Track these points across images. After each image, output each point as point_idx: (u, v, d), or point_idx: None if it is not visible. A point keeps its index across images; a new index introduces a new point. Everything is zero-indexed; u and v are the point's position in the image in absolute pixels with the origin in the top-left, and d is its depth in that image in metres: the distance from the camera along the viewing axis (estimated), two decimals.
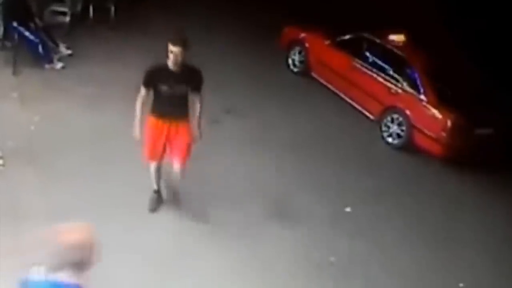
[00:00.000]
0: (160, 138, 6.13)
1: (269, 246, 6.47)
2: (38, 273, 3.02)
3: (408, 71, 9.37)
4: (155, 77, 5.98)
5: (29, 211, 5.88)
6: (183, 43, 5.80)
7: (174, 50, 5.76)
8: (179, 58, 5.80)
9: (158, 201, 6.55)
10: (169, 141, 6.15)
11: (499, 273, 6.92)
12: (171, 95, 5.98)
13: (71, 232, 3.04)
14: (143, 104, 6.04)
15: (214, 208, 6.67)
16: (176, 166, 6.22)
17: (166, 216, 6.44)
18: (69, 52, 9.70)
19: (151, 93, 6.04)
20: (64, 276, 2.99)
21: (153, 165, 6.34)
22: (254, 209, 6.99)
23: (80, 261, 3.00)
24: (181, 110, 6.12)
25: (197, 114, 6.22)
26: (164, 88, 5.94)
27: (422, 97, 9.06)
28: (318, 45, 10.66)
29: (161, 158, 6.29)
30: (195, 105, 6.19)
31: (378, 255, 6.76)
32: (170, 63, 5.84)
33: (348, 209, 7.41)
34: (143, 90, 6.04)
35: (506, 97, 9.21)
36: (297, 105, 9.86)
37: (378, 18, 10.71)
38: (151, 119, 6.12)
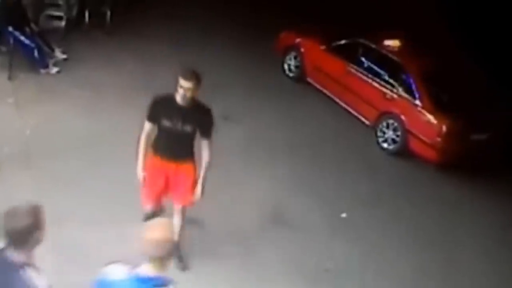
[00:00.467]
0: (158, 180, 5.52)
1: (265, 252, 6.47)
2: (118, 271, 3.16)
3: (404, 76, 9.36)
4: (159, 110, 5.35)
5: None
6: (196, 79, 5.16)
7: (185, 85, 5.12)
8: (189, 95, 5.17)
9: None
10: (169, 185, 5.55)
11: (496, 276, 6.95)
12: (174, 133, 5.32)
13: (155, 229, 3.22)
14: (148, 140, 5.46)
15: (210, 215, 6.62)
16: (177, 212, 5.60)
17: None
18: (64, 56, 9.67)
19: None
20: (147, 271, 3.13)
21: (147, 209, 5.62)
22: (251, 215, 6.99)
23: (163, 255, 3.15)
24: (184, 151, 5.47)
25: (204, 165, 5.49)
26: (167, 124, 5.30)
27: (417, 102, 9.07)
28: (314, 50, 10.66)
29: (157, 203, 5.66)
30: (202, 153, 5.48)
31: (375, 260, 6.78)
32: (179, 98, 5.18)
33: (344, 215, 7.42)
34: (147, 126, 5.43)
35: (507, 98, 9.15)
36: (293, 110, 9.86)
37: (378, 19, 10.72)
38: (150, 158, 5.50)
